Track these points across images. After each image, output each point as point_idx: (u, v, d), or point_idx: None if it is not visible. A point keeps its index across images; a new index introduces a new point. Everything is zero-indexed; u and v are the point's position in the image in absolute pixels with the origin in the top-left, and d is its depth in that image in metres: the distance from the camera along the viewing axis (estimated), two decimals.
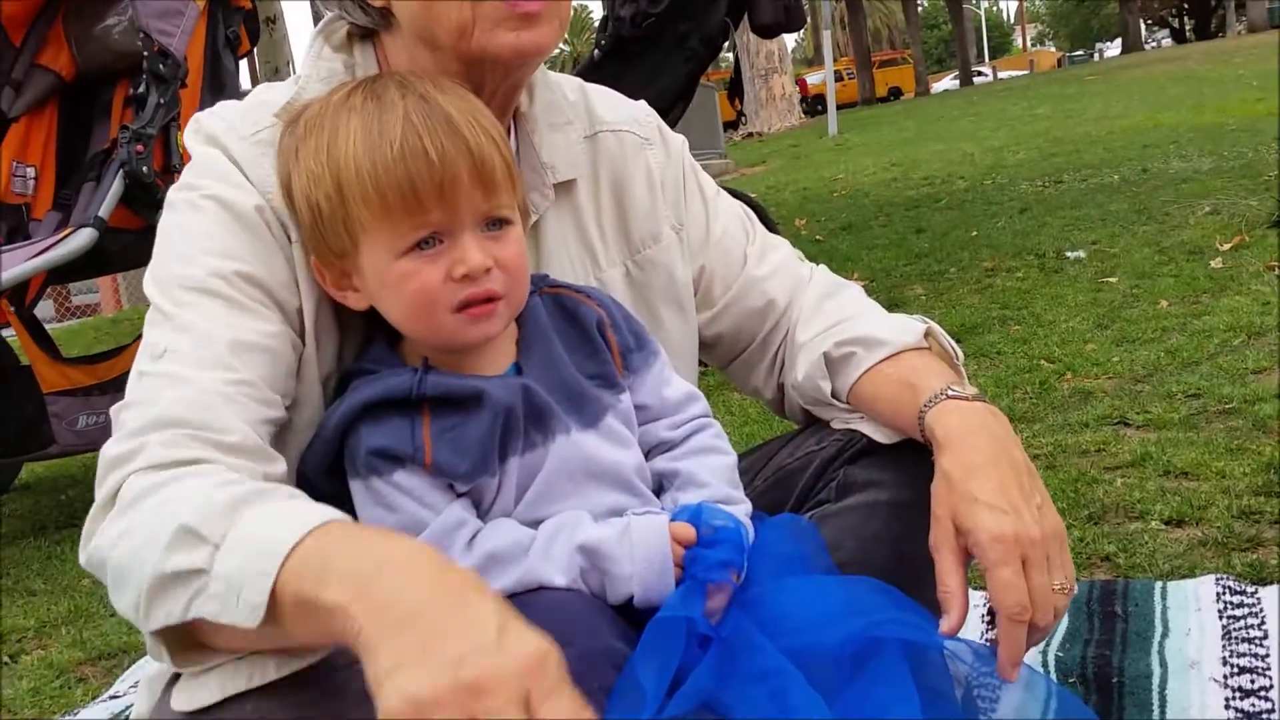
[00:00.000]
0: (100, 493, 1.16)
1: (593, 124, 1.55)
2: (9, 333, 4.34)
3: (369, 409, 1.22)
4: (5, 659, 2.55)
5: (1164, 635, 1.74)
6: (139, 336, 3.59)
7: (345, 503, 1.27)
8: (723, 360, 1.71)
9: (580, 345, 1.34)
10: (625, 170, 1.56)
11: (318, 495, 1.28)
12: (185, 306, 1.22)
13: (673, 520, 1.28)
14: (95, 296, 13.59)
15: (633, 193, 1.56)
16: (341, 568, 0.96)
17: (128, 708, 1.55)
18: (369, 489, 1.24)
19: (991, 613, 1.89)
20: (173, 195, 1.34)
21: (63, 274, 3.72)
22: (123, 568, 1.08)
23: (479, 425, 1.24)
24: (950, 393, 1.40)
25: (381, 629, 0.91)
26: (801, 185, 12.27)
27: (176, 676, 1.20)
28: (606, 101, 1.61)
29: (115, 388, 3.57)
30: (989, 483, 1.29)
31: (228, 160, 1.32)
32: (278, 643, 1.06)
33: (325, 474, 1.27)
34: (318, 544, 0.99)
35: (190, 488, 1.08)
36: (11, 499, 4.34)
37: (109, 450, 1.16)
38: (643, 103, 1.65)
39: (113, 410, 1.22)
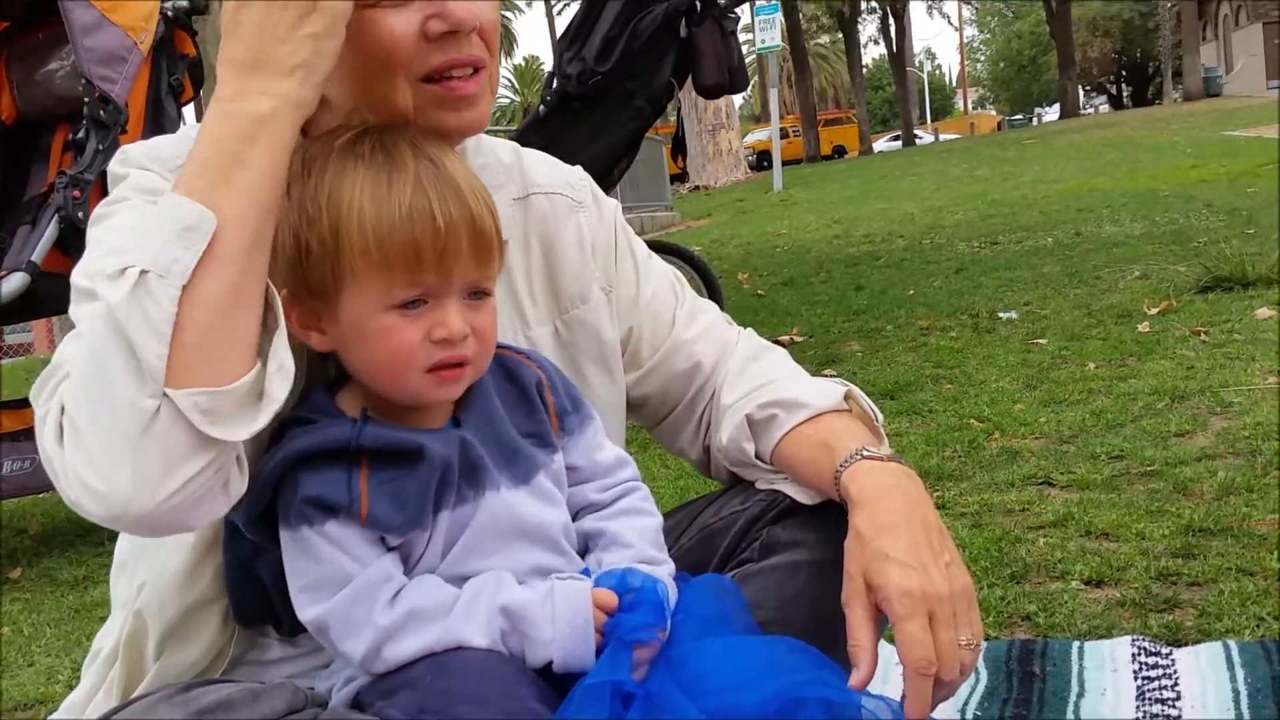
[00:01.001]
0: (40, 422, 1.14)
1: (525, 186, 1.58)
2: None
3: (306, 458, 1.23)
4: None
5: (1080, 695, 1.78)
6: None
7: (270, 553, 1.28)
8: (650, 421, 1.73)
9: (518, 404, 1.36)
10: (556, 231, 1.59)
11: (243, 543, 1.29)
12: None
13: (596, 585, 1.30)
14: (29, 335, 13.39)
15: (563, 253, 1.59)
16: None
17: None
18: (297, 538, 1.24)
19: None
20: (102, 209, 1.33)
21: None
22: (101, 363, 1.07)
23: (417, 480, 1.24)
24: (865, 453, 1.43)
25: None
26: (745, 240, 12.40)
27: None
28: (540, 164, 1.64)
29: None
30: (900, 540, 1.32)
31: (161, 180, 1.33)
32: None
33: (255, 521, 1.27)
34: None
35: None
36: None
37: (39, 409, 1.15)
38: (578, 167, 1.68)
39: (36, 385, 1.18)
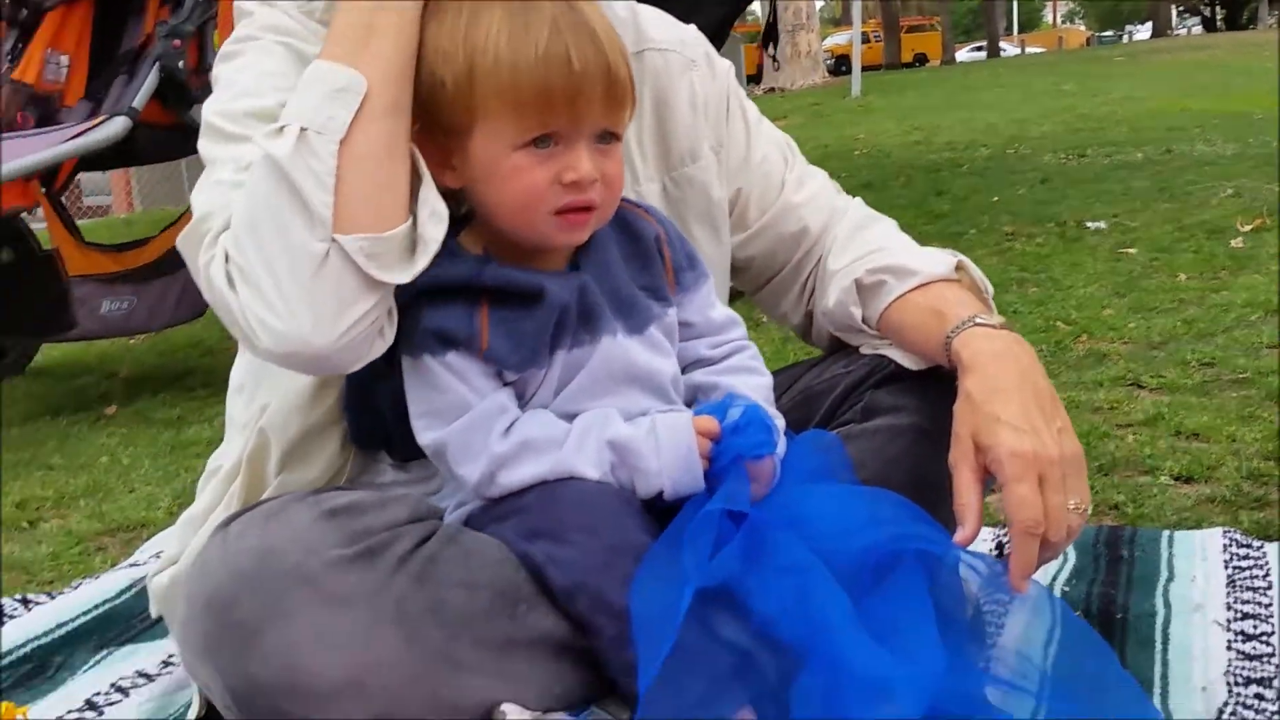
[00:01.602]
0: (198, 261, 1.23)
1: (640, 41, 1.57)
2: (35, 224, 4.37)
3: (430, 292, 1.25)
4: (24, 525, 2.59)
5: (1169, 579, 1.78)
6: (165, 227, 3.61)
7: (389, 380, 1.31)
8: (753, 284, 1.74)
9: (635, 257, 1.37)
10: (669, 88, 1.59)
11: (365, 369, 1.32)
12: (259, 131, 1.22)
13: (696, 415, 1.31)
14: (107, 199, 13.54)
15: (675, 110, 1.59)
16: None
17: (146, 575, 1.60)
18: (419, 366, 1.27)
19: (1000, 546, 1.95)
20: (231, 46, 1.36)
21: (92, 163, 3.73)
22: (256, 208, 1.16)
23: (535, 320, 1.27)
24: (978, 320, 1.43)
25: None
26: (823, 142, 12.20)
27: (233, 518, 1.24)
28: (655, 20, 1.63)
29: (139, 277, 3.60)
30: (1012, 404, 1.33)
31: (287, 18, 1.35)
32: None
33: None
34: None
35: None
36: (25, 381, 4.38)
37: (204, 255, 1.21)
38: (692, 26, 1.67)
39: (185, 235, 1.25)
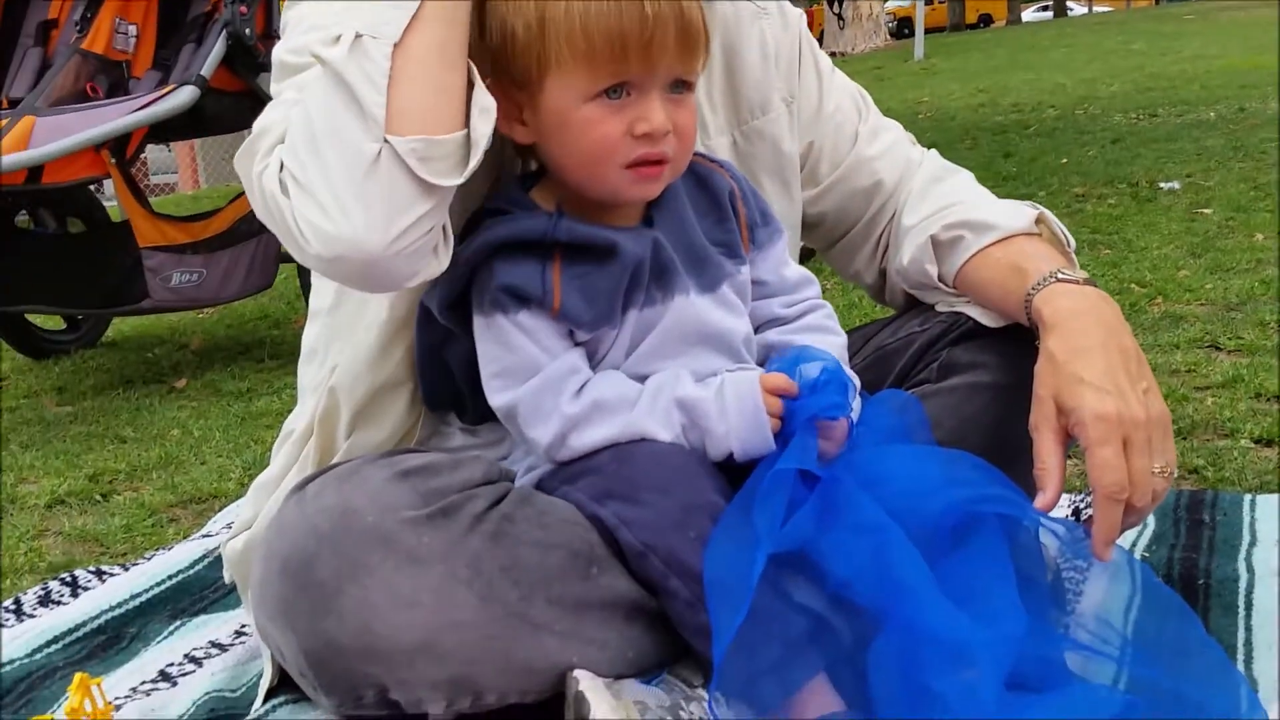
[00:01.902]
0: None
1: None
2: (106, 201, 4.43)
3: (502, 247, 1.24)
4: (97, 498, 2.63)
5: (1251, 544, 1.73)
6: (233, 199, 3.61)
7: (461, 338, 1.30)
8: (825, 241, 1.70)
9: (709, 212, 1.35)
10: (738, 38, 1.55)
11: (436, 328, 1.31)
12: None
13: (767, 371, 1.29)
14: (174, 177, 13.70)
15: (744, 61, 1.55)
16: None
17: (219, 545, 1.61)
18: (491, 325, 1.26)
19: (1077, 512, 1.91)
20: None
21: (162, 132, 3.76)
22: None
23: (609, 276, 1.25)
24: (1060, 275, 1.39)
25: None
26: (886, 106, 11.83)
27: (308, 480, 1.24)
28: None
29: (209, 248, 3.63)
30: (1095, 364, 1.29)
31: None
32: None
33: (447, 306, 1.29)
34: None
35: None
36: (98, 353, 4.45)
37: (256, 166, 1.19)
38: None
39: (241, 152, 1.23)
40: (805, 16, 1.66)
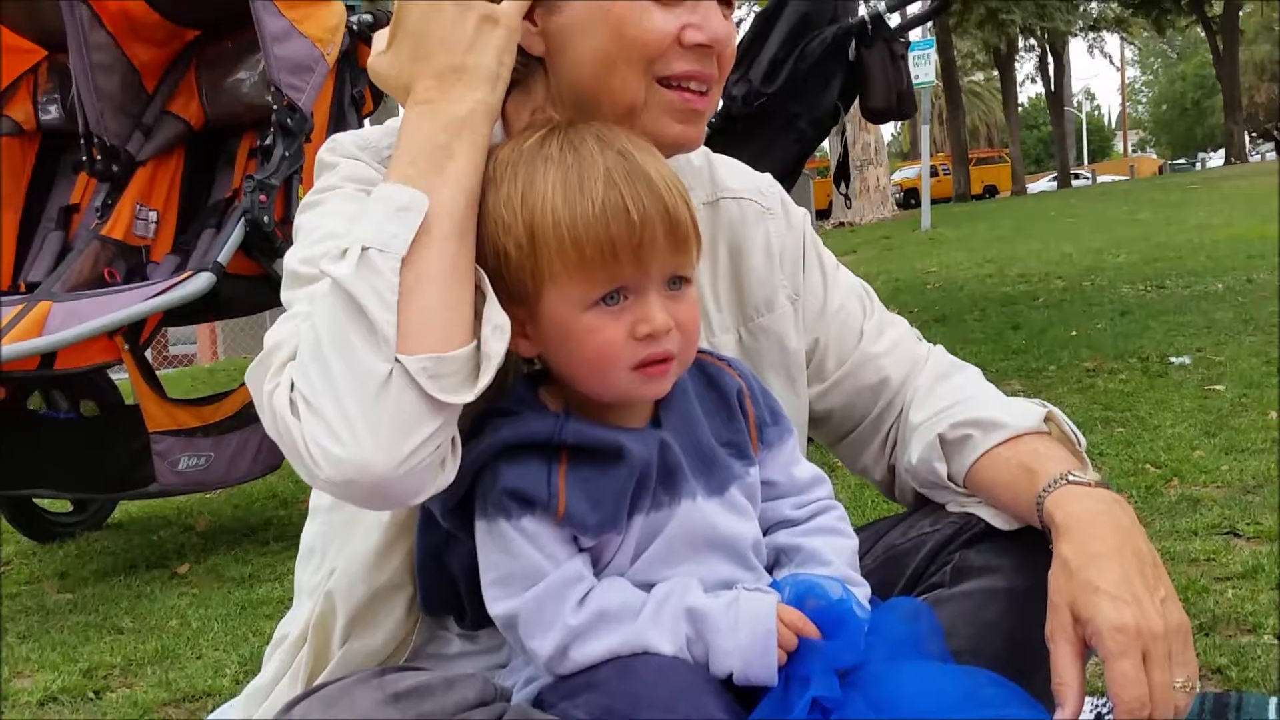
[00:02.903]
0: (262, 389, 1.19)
1: (715, 190, 1.56)
2: (117, 374, 4.46)
3: (508, 449, 1.22)
4: (90, 694, 2.57)
5: None
6: (244, 382, 3.63)
7: (464, 541, 1.27)
8: (833, 437, 1.69)
9: (718, 411, 1.34)
10: (744, 237, 1.56)
11: (437, 531, 1.29)
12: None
13: (779, 589, 1.26)
14: (192, 348, 13.90)
15: (750, 260, 1.56)
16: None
17: None
18: (493, 529, 1.23)
19: (1099, 718, 1.84)
20: (313, 196, 1.37)
21: (178, 316, 3.81)
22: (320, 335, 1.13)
23: (615, 480, 1.23)
24: (1071, 478, 1.36)
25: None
26: (894, 275, 12.21)
27: (295, 702, 1.20)
28: (731, 169, 1.62)
29: (218, 430, 3.64)
30: (1111, 572, 1.25)
31: (370, 170, 1.35)
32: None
33: (450, 510, 1.27)
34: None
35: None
36: (103, 536, 4.42)
37: (267, 384, 1.18)
38: (768, 175, 1.66)
39: (253, 368, 1.22)
40: (810, 215, 1.68)
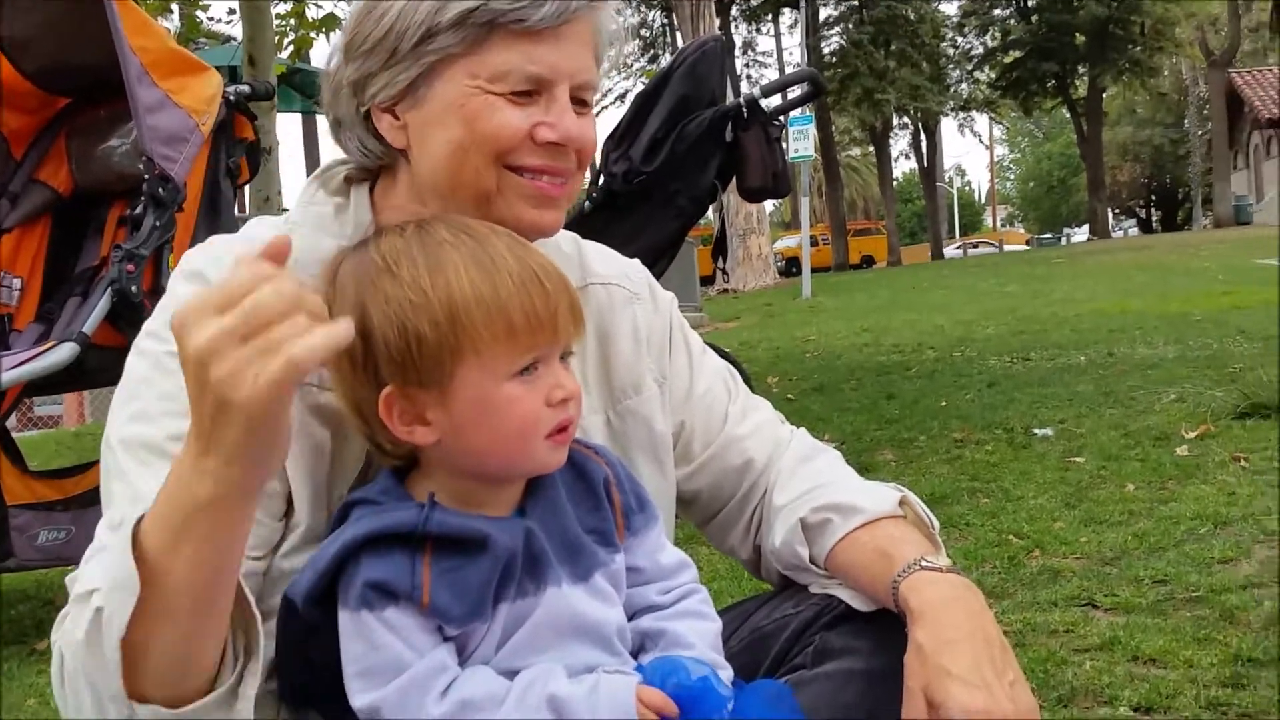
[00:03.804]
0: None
1: (584, 276, 1.59)
2: None
3: (370, 541, 1.22)
4: None
5: None
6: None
7: (324, 633, 1.26)
8: (700, 518, 1.71)
9: (584, 499, 1.35)
10: (612, 322, 1.60)
11: (298, 623, 1.27)
12: (147, 472, 1.24)
13: (645, 674, 1.27)
14: (58, 408, 13.44)
15: (617, 344, 1.59)
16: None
17: None
18: (355, 621, 1.23)
19: None
20: (141, 342, 1.36)
21: (40, 386, 3.70)
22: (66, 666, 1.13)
23: (480, 570, 1.23)
24: (924, 563, 1.41)
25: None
26: (775, 344, 12.41)
27: None
28: (599, 256, 1.65)
29: (79, 504, 3.53)
30: (963, 657, 1.29)
31: None
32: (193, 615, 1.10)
33: (313, 601, 1.26)
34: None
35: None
36: None
37: (56, 629, 1.18)
38: (636, 261, 1.70)
39: (67, 580, 1.23)
40: (675, 300, 1.71)
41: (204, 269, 1.34)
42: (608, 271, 1.63)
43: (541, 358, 1.23)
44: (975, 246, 44.58)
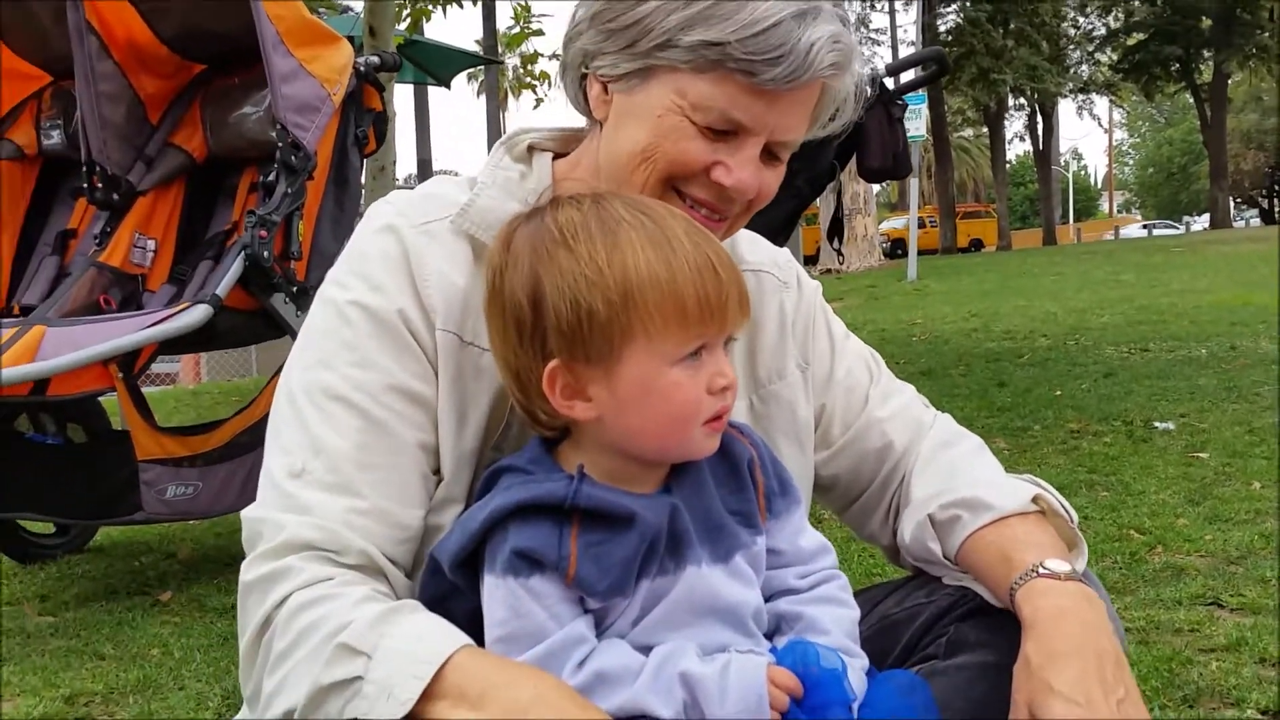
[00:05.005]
0: (251, 618, 1.24)
1: (736, 262, 1.58)
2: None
3: (520, 510, 1.23)
4: None
5: None
6: (238, 411, 3.61)
7: (467, 594, 1.28)
8: (841, 503, 1.70)
9: (728, 479, 1.35)
10: (760, 308, 1.59)
11: (442, 581, 1.29)
12: (325, 417, 1.29)
13: (778, 656, 1.27)
14: (175, 366, 13.75)
15: (764, 330, 1.59)
16: (501, 696, 1.12)
17: None
18: (502, 587, 1.24)
19: None
20: (325, 290, 1.39)
21: (171, 345, 3.81)
22: (283, 684, 1.18)
23: (625, 545, 1.24)
24: (1042, 570, 1.38)
25: None
26: (880, 326, 12.27)
27: None
28: (750, 243, 1.65)
29: (205, 460, 3.63)
30: (1067, 671, 1.27)
31: (380, 261, 1.36)
32: None
33: (458, 564, 1.27)
34: (472, 663, 1.15)
35: (336, 607, 1.20)
36: (84, 560, 4.39)
37: (250, 571, 1.24)
38: (785, 249, 1.70)
39: (245, 513, 1.28)
40: (820, 288, 1.71)
41: (395, 223, 1.37)
42: (758, 259, 1.63)
43: (707, 345, 1.22)
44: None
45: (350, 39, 4.23)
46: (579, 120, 1.47)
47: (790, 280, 1.64)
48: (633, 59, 1.32)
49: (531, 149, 1.46)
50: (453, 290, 1.36)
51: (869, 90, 4.52)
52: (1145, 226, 52.45)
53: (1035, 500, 1.51)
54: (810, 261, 24.17)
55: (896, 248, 33.57)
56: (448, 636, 1.17)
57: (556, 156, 1.47)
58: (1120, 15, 39.40)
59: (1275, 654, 2.51)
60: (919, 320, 12.63)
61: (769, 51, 1.27)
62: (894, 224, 38.57)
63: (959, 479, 1.55)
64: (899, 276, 19.99)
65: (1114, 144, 73.32)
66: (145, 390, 4.24)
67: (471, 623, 1.29)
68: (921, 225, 30.07)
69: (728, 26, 1.27)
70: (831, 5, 1.33)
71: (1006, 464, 4.32)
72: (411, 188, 1.52)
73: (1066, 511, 1.54)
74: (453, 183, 1.47)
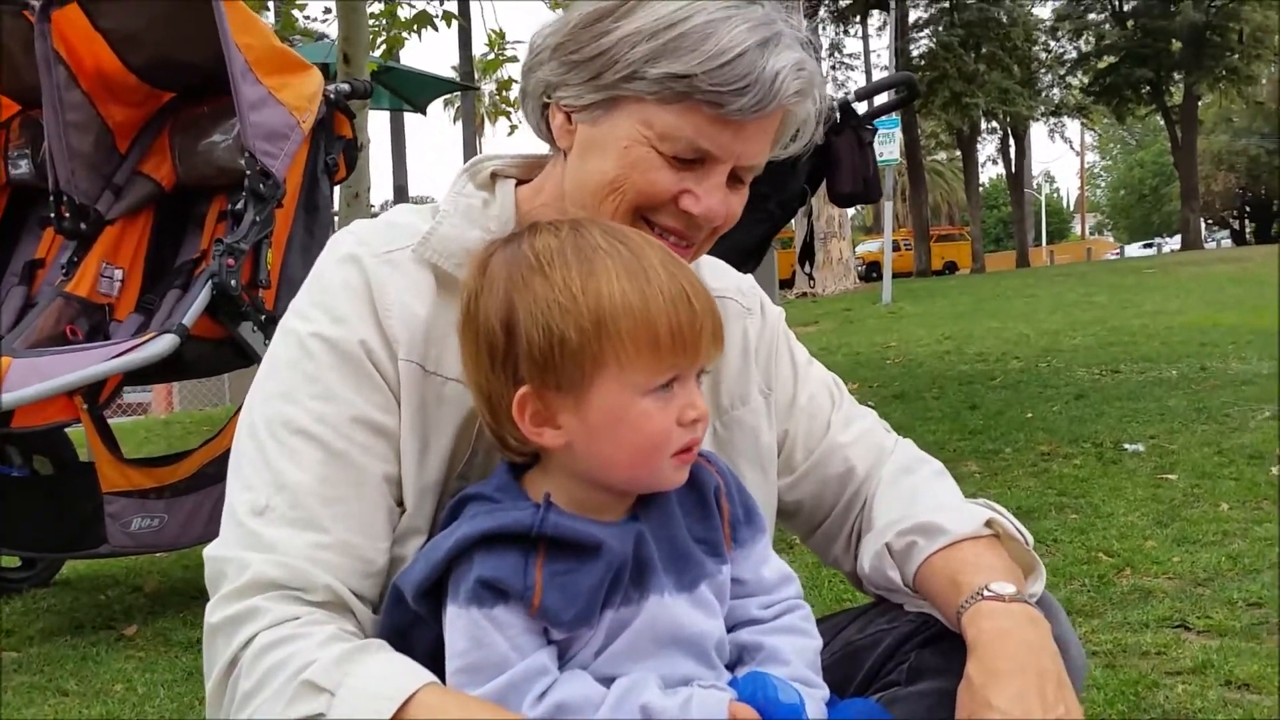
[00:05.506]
0: (218, 659, 1.23)
1: None
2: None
3: (487, 539, 1.22)
4: None
5: None
6: (205, 442, 3.57)
7: (430, 625, 1.27)
8: (804, 529, 1.70)
9: (695, 508, 1.34)
10: (724, 334, 1.59)
11: (405, 611, 1.29)
12: (287, 451, 1.28)
13: (737, 688, 1.27)
14: (147, 395, 13.67)
15: (727, 356, 1.59)
16: None
17: None
18: (465, 617, 1.23)
19: None
20: (287, 321, 1.38)
21: (138, 376, 3.79)
22: None
23: (591, 575, 1.23)
24: (987, 593, 1.38)
25: None
26: (854, 349, 12.31)
27: None
28: (714, 269, 1.65)
29: (172, 492, 3.60)
30: (1007, 690, 1.27)
31: (342, 292, 1.36)
32: None
33: (421, 594, 1.27)
34: (435, 700, 1.15)
35: (301, 647, 1.19)
36: (50, 594, 4.35)
37: (215, 613, 1.23)
38: (749, 275, 1.70)
39: (207, 552, 1.27)
40: (784, 314, 1.71)
41: (357, 252, 1.37)
42: (721, 285, 1.63)
43: (679, 376, 1.22)
44: None
45: (324, 66, 4.23)
46: (546, 147, 1.47)
47: (754, 306, 1.65)
48: (597, 90, 1.32)
49: (494, 176, 1.45)
50: (415, 320, 1.35)
51: (836, 113, 4.55)
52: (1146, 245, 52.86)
53: (989, 524, 1.51)
54: (786, 285, 24.24)
55: (872, 270, 33.72)
56: (411, 674, 1.17)
57: (520, 183, 1.47)
58: (1091, 39, 39.81)
59: (1241, 677, 2.52)
60: (893, 343, 12.67)
61: (735, 82, 1.28)
62: (869, 247, 38.78)
63: (918, 505, 1.55)
64: (874, 299, 20.07)
65: (1086, 166, 73.96)
66: (117, 420, 4.21)
67: (434, 653, 1.28)
68: (896, 248, 30.16)
69: (694, 59, 1.28)
70: (792, 30, 1.34)
71: (978, 486, 4.37)
72: None
73: (1022, 535, 1.54)
74: (415, 211, 1.47)
